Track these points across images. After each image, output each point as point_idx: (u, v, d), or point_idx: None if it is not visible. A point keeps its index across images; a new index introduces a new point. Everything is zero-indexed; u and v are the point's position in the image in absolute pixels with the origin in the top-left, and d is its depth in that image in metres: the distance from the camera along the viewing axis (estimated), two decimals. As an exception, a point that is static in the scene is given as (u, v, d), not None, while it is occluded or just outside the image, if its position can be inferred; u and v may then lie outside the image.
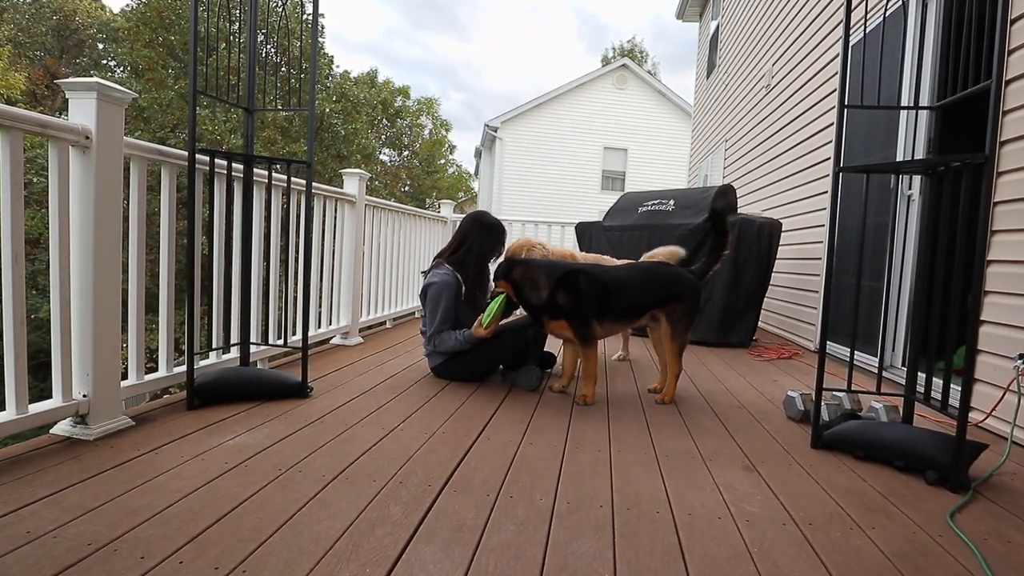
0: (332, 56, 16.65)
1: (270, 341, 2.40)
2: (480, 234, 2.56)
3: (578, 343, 2.29)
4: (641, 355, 3.40)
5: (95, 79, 1.59)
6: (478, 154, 20.04)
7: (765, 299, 4.12)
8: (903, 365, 2.75)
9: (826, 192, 3.78)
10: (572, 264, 2.39)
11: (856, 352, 1.97)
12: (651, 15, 58.40)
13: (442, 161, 24.16)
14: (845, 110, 1.81)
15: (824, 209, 3.78)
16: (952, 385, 1.69)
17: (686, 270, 2.38)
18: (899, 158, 2.87)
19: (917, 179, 2.73)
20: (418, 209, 4.63)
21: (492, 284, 2.44)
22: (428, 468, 1.52)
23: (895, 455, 1.66)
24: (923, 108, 2.04)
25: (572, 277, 2.26)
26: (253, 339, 2.32)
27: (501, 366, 2.63)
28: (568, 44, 69.25)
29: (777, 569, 1.12)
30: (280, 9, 2.12)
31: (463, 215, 3.16)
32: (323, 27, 15.87)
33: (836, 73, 3.70)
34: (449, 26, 73.10)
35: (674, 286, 2.31)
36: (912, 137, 2.85)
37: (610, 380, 2.72)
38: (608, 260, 3.08)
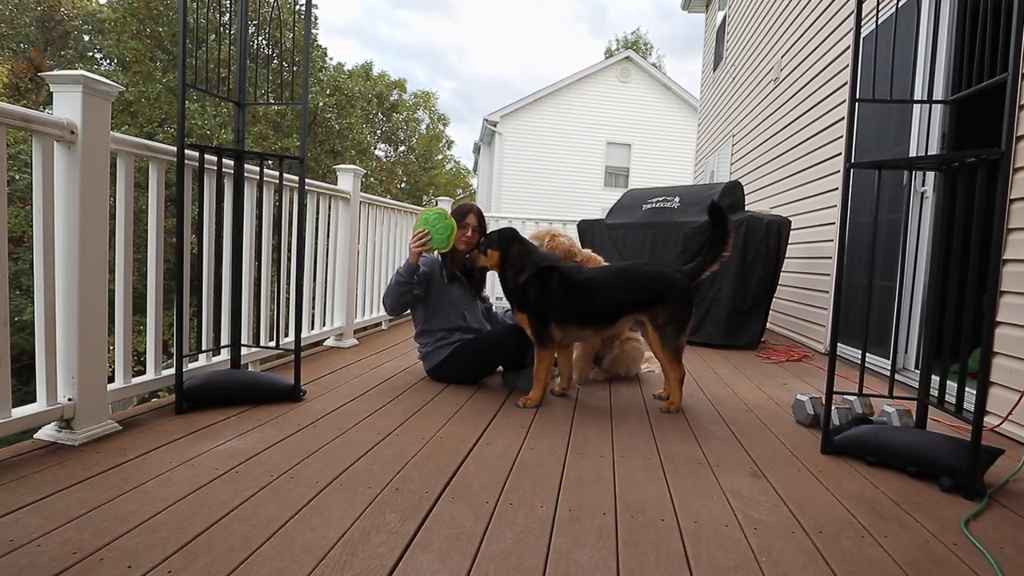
0: (326, 48, 16.54)
1: (262, 343, 2.37)
2: None
3: (534, 341, 2.20)
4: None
5: (80, 72, 1.56)
6: (477, 149, 19.99)
7: (773, 299, 4.07)
8: (916, 368, 2.71)
9: (837, 189, 3.74)
10: (555, 260, 2.30)
11: (868, 354, 1.93)
12: (656, -2, 56.42)
13: (439, 156, 24.09)
14: (856, 104, 1.78)
15: (834, 206, 3.73)
16: (967, 388, 1.66)
17: (675, 270, 2.24)
18: (912, 154, 2.83)
19: (931, 175, 2.68)
20: (415, 207, 4.58)
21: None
22: (425, 474, 1.49)
23: (908, 461, 1.64)
24: (937, 102, 2.00)
25: (547, 274, 2.17)
26: (244, 341, 2.28)
27: (500, 368, 2.58)
28: (568, 26, 66.29)
29: (787, 581, 1.09)
30: (272, -1, 2.06)
31: None
32: (316, 18, 15.69)
33: (847, 66, 3.65)
34: (435, 3, 69.39)
35: (657, 287, 2.15)
36: (926, 132, 2.80)
37: (613, 383, 2.68)
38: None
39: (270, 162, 2.31)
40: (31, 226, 1.52)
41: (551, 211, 11.27)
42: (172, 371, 1.94)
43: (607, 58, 16.87)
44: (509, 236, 2.24)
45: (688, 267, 2.25)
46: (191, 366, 2.15)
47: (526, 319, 2.19)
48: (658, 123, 15.62)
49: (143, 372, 1.99)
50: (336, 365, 2.77)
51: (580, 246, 3.16)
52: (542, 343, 2.17)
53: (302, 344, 2.22)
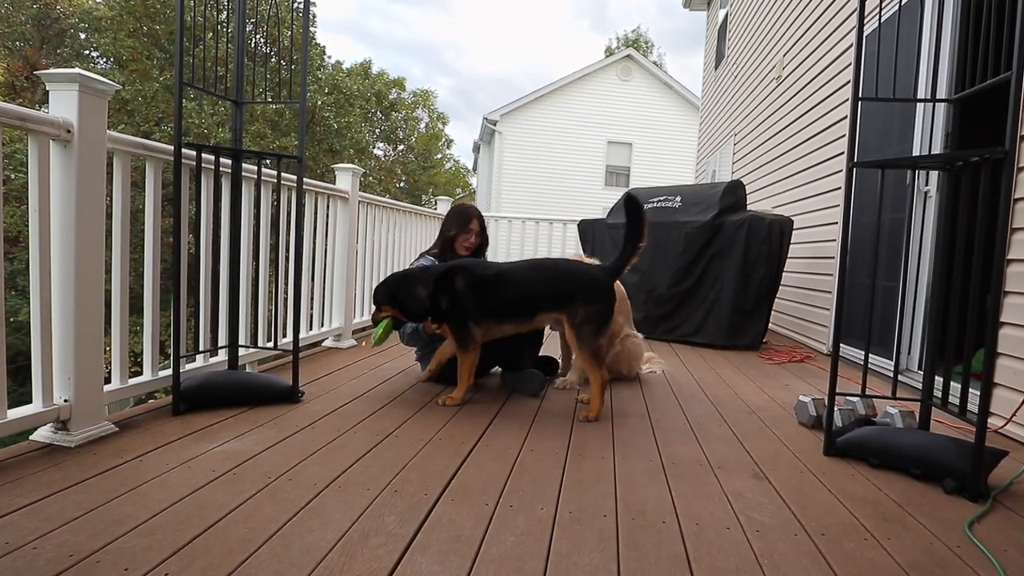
0: (324, 46, 16.45)
1: (259, 343, 2.36)
2: (445, 222, 2.56)
3: (456, 345, 2.18)
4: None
5: (77, 70, 1.55)
6: (476, 148, 19.94)
7: (776, 300, 4.05)
8: (919, 369, 2.70)
9: (839, 188, 3.72)
10: (448, 264, 2.26)
11: (871, 355, 1.91)
12: (656, -10, 54.27)
13: (439, 156, 24.03)
14: (859, 103, 1.76)
15: (837, 206, 3.72)
16: (971, 389, 1.66)
17: (596, 267, 2.18)
18: (916, 153, 2.82)
19: (934, 175, 2.67)
20: (414, 206, 4.57)
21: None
22: (424, 476, 1.48)
23: (911, 462, 1.63)
24: (940, 101, 1.98)
25: (448, 276, 2.14)
26: (242, 341, 2.27)
27: (500, 369, 2.56)
28: (567, 22, 64.99)
29: (790, 584, 1.08)
30: (270, -3, 2.05)
31: None
32: (315, 16, 15.63)
33: (850, 64, 3.63)
34: (431, -2, 67.27)
35: (573, 284, 2.09)
36: (929, 131, 2.79)
37: (614, 385, 2.66)
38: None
39: (268, 161, 2.30)
40: (27, 226, 1.51)
41: (552, 211, 11.23)
42: (169, 372, 1.93)
43: (608, 56, 16.82)
44: (386, 289, 2.19)
45: (608, 265, 2.18)
46: (188, 367, 2.14)
47: (447, 328, 2.16)
48: (659, 122, 15.58)
49: (140, 373, 1.98)
50: (334, 366, 2.75)
51: (582, 248, 3.13)
52: (463, 346, 2.15)
53: (300, 345, 2.21)
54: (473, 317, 2.12)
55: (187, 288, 2.01)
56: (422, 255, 2.59)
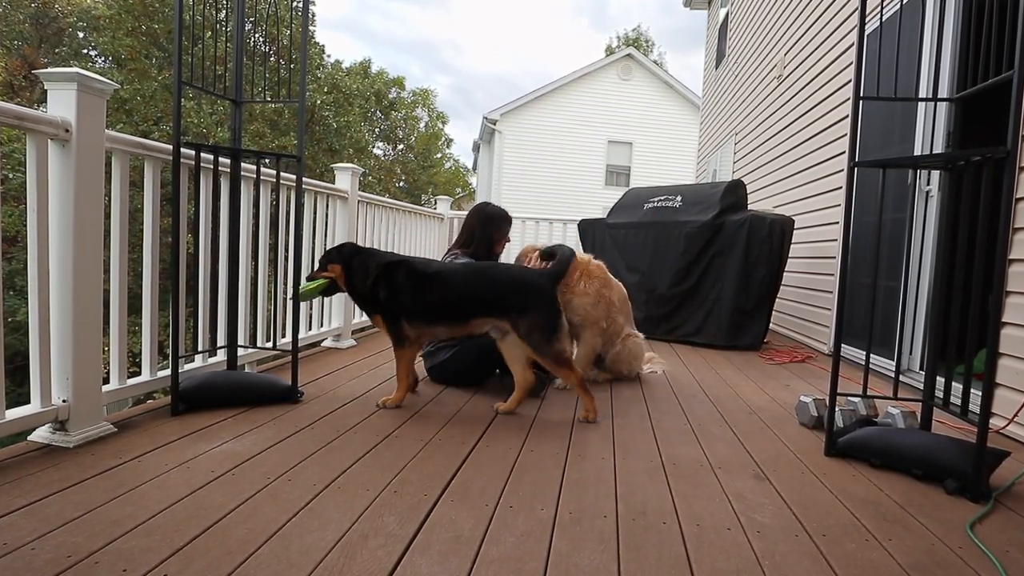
0: (323, 45, 16.42)
1: (258, 344, 2.36)
2: (483, 224, 2.62)
3: (392, 341, 2.16)
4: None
5: (75, 69, 1.55)
6: (476, 148, 19.92)
7: (777, 300, 4.05)
8: (921, 369, 2.70)
9: (840, 188, 3.71)
10: (398, 256, 2.24)
11: (872, 355, 1.91)
12: (657, -10, 53.55)
13: (438, 155, 24.00)
14: (861, 102, 1.76)
15: (838, 205, 3.71)
16: (972, 390, 1.65)
17: (539, 273, 2.15)
18: (917, 152, 2.81)
19: (936, 174, 2.66)
20: (414, 206, 4.56)
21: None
22: (424, 476, 1.48)
23: (913, 463, 1.62)
24: (942, 100, 1.97)
25: (392, 269, 2.10)
26: (241, 342, 2.27)
27: (498, 370, 2.56)
28: (567, 20, 64.65)
29: (791, 585, 1.08)
30: (270, -4, 2.04)
31: (459, 212, 3.11)
32: (314, 14, 15.59)
33: (851, 63, 3.62)
34: (430, -6, 66.57)
35: (509, 290, 2.05)
36: (931, 130, 2.78)
37: (614, 386, 2.66)
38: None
39: (267, 160, 2.30)
40: (25, 225, 1.51)
41: (552, 210, 11.22)
42: (168, 372, 1.92)
43: (608, 55, 16.80)
44: (350, 250, 2.18)
45: (549, 270, 2.17)
46: (187, 367, 2.14)
47: (380, 319, 2.13)
48: (660, 121, 15.56)
49: (138, 373, 1.97)
50: (334, 366, 2.75)
51: (582, 248, 3.10)
52: (399, 342, 2.12)
53: (299, 345, 2.20)
54: (407, 314, 2.09)
55: (186, 288, 2.00)
56: (452, 252, 2.59)
